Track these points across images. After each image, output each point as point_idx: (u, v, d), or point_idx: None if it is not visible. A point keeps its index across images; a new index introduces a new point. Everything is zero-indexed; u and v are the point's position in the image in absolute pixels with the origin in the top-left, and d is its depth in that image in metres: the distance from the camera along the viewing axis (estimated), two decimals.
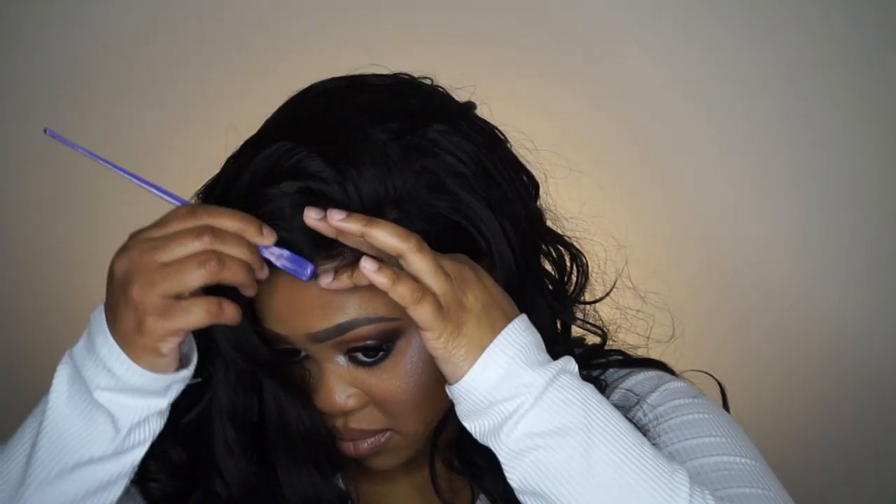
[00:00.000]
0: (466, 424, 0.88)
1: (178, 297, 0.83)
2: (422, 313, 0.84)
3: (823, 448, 1.91)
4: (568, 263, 1.04)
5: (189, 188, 0.97)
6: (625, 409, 1.00)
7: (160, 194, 0.89)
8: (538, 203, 1.04)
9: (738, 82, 1.88)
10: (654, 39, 1.88)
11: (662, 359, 1.10)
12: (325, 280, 0.87)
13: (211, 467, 0.98)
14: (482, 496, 1.01)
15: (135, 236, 0.85)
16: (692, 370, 1.10)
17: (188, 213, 0.84)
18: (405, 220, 0.89)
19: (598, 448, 0.85)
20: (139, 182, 0.89)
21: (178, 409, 0.96)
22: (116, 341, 0.84)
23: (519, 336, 0.87)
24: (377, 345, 0.92)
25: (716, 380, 1.10)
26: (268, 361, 0.94)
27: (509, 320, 0.87)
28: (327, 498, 0.99)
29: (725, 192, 1.91)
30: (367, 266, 0.83)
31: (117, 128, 1.81)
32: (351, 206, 0.88)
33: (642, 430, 0.98)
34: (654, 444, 0.96)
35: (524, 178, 1.01)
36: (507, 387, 0.85)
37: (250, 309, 0.92)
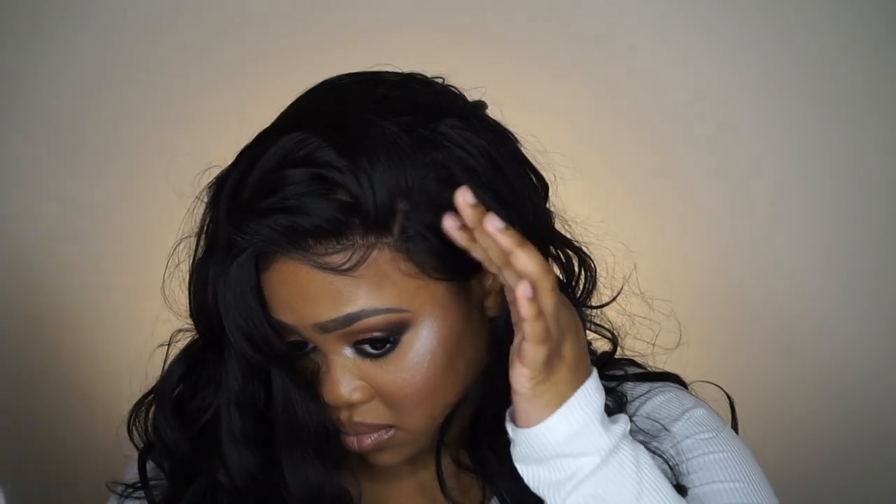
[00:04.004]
0: (519, 467, 0.89)
1: None
2: (538, 354, 0.84)
3: (828, 456, 1.91)
4: (576, 268, 1.04)
5: (199, 182, 0.97)
6: (650, 437, 1.00)
7: None
8: (547, 205, 1.04)
9: (758, 87, 1.87)
10: (669, 42, 1.87)
11: (668, 366, 1.10)
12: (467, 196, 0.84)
13: (216, 456, 0.98)
14: (494, 498, 1.01)
15: None
16: (701, 381, 1.10)
17: None
18: (417, 211, 0.90)
19: None
20: None
21: (196, 405, 0.99)
22: None
23: (594, 393, 0.88)
24: (384, 336, 0.92)
25: (725, 393, 1.10)
26: (278, 352, 0.94)
27: (588, 376, 0.88)
28: (331, 493, 0.98)
29: (737, 199, 1.91)
30: (527, 292, 0.82)
31: (128, 122, 1.81)
32: (364, 197, 0.88)
33: (669, 462, 0.99)
34: (682, 484, 0.97)
35: (533, 177, 1.01)
36: (578, 443, 0.86)
37: (261, 299, 0.93)
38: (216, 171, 0.96)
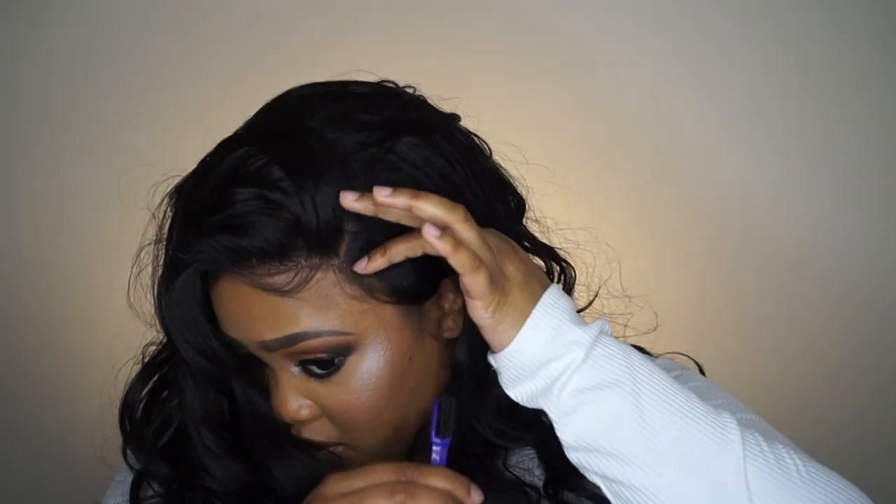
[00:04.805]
0: (511, 393, 0.89)
1: None
2: (478, 281, 0.85)
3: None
4: (556, 278, 1.04)
5: (156, 192, 0.97)
6: None
7: None
8: (525, 216, 1.03)
9: (736, 99, 1.87)
10: (649, 55, 1.87)
11: None
12: (361, 265, 0.88)
13: (200, 469, 0.98)
14: None
15: (333, 484, 0.87)
16: (670, 352, 1.10)
17: (395, 469, 0.86)
18: (365, 232, 0.89)
19: (646, 396, 0.87)
20: None
21: (156, 427, 0.98)
22: None
23: (558, 300, 0.88)
24: (329, 358, 0.91)
25: (694, 361, 1.11)
26: (231, 363, 0.94)
27: (546, 288, 0.89)
28: (323, 475, 0.96)
29: (719, 197, 1.91)
30: (431, 232, 0.84)
31: (100, 129, 1.80)
32: (306, 219, 0.87)
33: None
34: None
35: (506, 194, 1.00)
36: (557, 345, 0.87)
37: (211, 312, 0.93)
38: (174, 182, 0.95)
